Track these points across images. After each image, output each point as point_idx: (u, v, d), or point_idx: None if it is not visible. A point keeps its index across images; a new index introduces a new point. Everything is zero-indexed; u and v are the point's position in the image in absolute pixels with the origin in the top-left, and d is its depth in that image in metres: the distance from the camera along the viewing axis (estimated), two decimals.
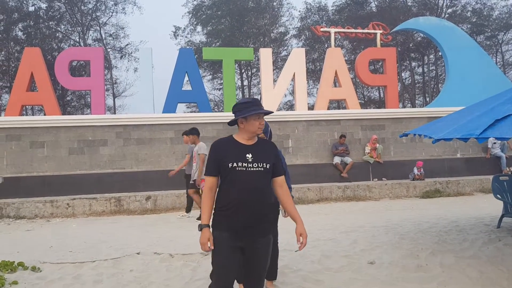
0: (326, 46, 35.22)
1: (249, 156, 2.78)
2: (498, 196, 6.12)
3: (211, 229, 2.82)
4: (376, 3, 35.76)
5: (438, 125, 4.89)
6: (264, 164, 2.78)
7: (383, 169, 12.63)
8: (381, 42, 13.78)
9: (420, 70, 37.03)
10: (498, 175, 6.34)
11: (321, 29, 13.66)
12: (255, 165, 2.76)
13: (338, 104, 29.18)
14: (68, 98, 32.23)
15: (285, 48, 36.35)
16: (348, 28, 14.28)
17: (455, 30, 14.19)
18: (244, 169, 2.74)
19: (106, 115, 12.21)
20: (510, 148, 13.16)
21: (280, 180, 2.94)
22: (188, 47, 33.05)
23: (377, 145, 12.65)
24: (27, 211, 9.80)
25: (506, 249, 5.21)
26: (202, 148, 8.39)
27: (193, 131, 8.71)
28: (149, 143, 11.86)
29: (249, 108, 2.80)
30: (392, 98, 13.53)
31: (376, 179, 12.44)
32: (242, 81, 37.87)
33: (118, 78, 33.47)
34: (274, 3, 35.42)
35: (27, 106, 22.30)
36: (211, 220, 2.85)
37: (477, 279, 4.35)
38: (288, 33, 36.83)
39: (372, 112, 13.88)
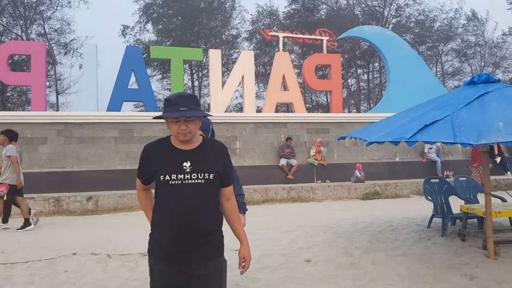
0: (277, 50, 35.84)
1: (186, 164, 2.24)
2: (429, 197, 6.48)
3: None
4: (325, 10, 36.72)
5: (372, 129, 5.13)
6: (205, 174, 2.24)
7: (327, 171, 12.98)
8: (328, 48, 14.17)
9: (365, 77, 38.35)
10: (429, 177, 6.72)
11: (270, 33, 13.87)
12: (193, 176, 2.23)
13: (287, 107, 29.68)
14: (8, 94, 30.63)
15: (237, 50, 36.51)
16: (296, 34, 14.58)
17: (397, 40, 14.87)
18: (180, 182, 2.21)
19: (46, 112, 11.75)
20: (445, 153, 13.94)
21: (227, 192, 2.40)
22: (137, 45, 32.43)
23: (322, 148, 13.00)
24: None
25: (434, 248, 5.53)
26: (10, 149, 7.71)
27: (5, 132, 7.94)
28: (91, 142, 11.52)
29: (166, 107, 2.25)
30: (337, 103, 13.96)
31: (320, 181, 12.77)
32: (192, 82, 37.61)
33: (62, 75, 32.26)
34: (226, 5, 35.46)
35: None
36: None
37: (406, 276, 4.58)
38: (240, 36, 37.01)
39: (318, 116, 14.24)
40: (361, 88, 38.60)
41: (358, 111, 36.44)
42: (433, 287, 4.31)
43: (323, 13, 36.53)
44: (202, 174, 2.25)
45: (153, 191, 2.43)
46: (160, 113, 2.35)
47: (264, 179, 12.33)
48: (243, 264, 2.52)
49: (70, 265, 4.99)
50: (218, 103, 12.82)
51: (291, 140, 12.86)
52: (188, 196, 2.22)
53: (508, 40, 35.26)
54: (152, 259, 2.32)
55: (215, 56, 13.17)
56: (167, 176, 2.22)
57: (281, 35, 13.90)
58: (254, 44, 36.79)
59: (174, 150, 2.31)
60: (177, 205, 2.23)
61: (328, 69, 31.10)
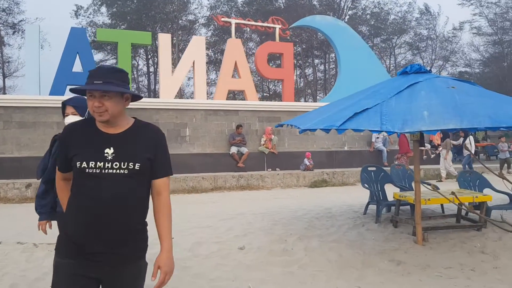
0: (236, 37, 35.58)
1: (108, 151, 1.93)
2: (366, 185, 6.62)
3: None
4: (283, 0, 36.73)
5: (308, 117, 5.14)
6: (130, 163, 1.92)
7: (277, 159, 13.04)
8: (280, 36, 14.16)
9: (322, 67, 38.83)
10: (367, 165, 6.86)
11: (222, 19, 13.70)
12: (115, 165, 1.91)
13: (233, 95, 29.65)
14: None
15: (194, 36, 35.93)
16: (248, 20, 14.47)
17: (348, 31, 15.05)
18: (98, 171, 1.90)
19: None
20: (391, 142, 14.32)
21: (159, 184, 2.05)
22: (89, 27, 31.31)
23: (272, 136, 13.03)
24: None
25: (367, 234, 5.66)
26: None
27: None
28: (33, 127, 11.02)
29: (87, 80, 1.93)
30: (288, 92, 14.02)
31: (270, 169, 12.83)
32: (148, 67, 36.84)
33: (10, 57, 30.70)
34: None
35: None
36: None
37: (336, 262, 4.66)
38: (197, 22, 36.48)
39: (269, 104, 14.27)
40: (318, 78, 39.07)
41: (315, 100, 36.89)
42: (361, 272, 4.40)
43: (281, 2, 36.52)
44: (126, 163, 1.92)
45: None
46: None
47: (214, 167, 12.24)
48: (160, 276, 2.00)
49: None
50: (167, 89, 12.57)
51: (242, 127, 12.81)
52: (106, 189, 1.90)
53: (458, 34, 36.59)
54: (58, 256, 1.99)
55: (164, 41, 12.86)
56: (84, 163, 1.91)
57: (233, 21, 13.75)
58: (212, 31, 36.40)
59: (96, 133, 1.98)
60: (92, 199, 1.91)
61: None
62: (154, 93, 34.81)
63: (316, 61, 38.45)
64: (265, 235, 5.42)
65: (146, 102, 12.65)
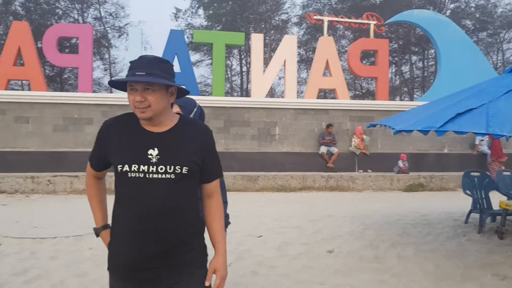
0: (329, 34, 35.05)
1: (152, 153, 1.71)
2: (468, 192, 6.10)
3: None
4: None
5: (405, 116, 4.85)
6: (177, 167, 1.70)
7: (369, 161, 12.59)
8: (375, 33, 13.63)
9: (420, 64, 36.80)
10: (469, 170, 6.31)
11: (314, 17, 13.52)
12: (160, 168, 1.69)
13: (324, 94, 29.15)
14: (65, 76, 32.08)
15: (287, 35, 36.09)
16: (342, 17, 14.13)
17: (449, 25, 14.03)
18: (142, 175, 1.69)
19: (91, 93, 12.11)
20: None
21: (210, 188, 1.88)
22: (187, 29, 32.84)
23: (364, 136, 12.60)
24: (7, 186, 9.80)
25: (468, 245, 5.21)
26: None
27: None
28: None
29: (128, 72, 1.72)
30: (382, 90, 13.46)
31: (361, 171, 12.41)
32: (241, 67, 37.71)
33: (116, 58, 33.28)
34: None
35: (16, 81, 22.13)
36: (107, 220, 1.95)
37: (432, 273, 4.34)
38: (290, 21, 36.55)
39: (361, 104, 13.81)
40: (415, 75, 37.11)
41: (411, 99, 35.07)
42: (460, 286, 4.06)
43: None
44: (172, 167, 1.70)
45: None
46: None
47: (302, 166, 12.14)
48: (214, 280, 1.85)
49: (95, 243, 5.13)
50: (258, 88, 12.73)
51: (332, 127, 12.56)
52: (152, 197, 1.69)
53: None
54: (111, 278, 1.82)
55: (257, 41, 13.02)
56: (126, 166, 1.70)
57: (326, 19, 13.50)
58: (304, 29, 36.23)
59: (139, 131, 1.77)
60: (137, 207, 1.71)
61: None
62: (246, 92, 35.56)
63: (414, 57, 36.49)
64: (355, 239, 5.22)
65: (237, 101, 12.95)
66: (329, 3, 35.19)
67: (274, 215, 6.66)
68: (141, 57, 1.72)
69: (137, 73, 1.65)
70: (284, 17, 36.54)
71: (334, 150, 12.43)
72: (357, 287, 4.02)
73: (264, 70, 13.09)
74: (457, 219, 6.50)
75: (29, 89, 14.89)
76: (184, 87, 1.86)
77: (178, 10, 34.12)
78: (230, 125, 12.38)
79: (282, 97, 23.19)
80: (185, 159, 1.73)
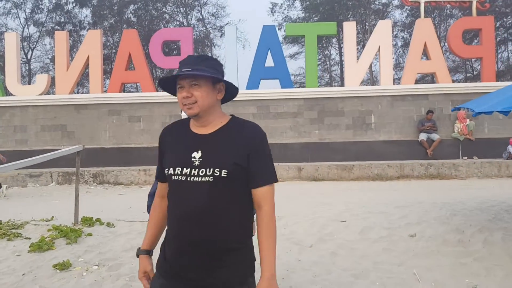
0: (433, 16, 33.01)
1: (196, 155, 1.70)
2: None
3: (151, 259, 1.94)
4: None
5: (487, 98, 4.68)
6: (216, 169, 1.66)
7: (474, 147, 11.86)
8: (478, 10, 12.72)
9: None
10: None
11: (410, 0, 13.01)
12: (201, 171, 1.67)
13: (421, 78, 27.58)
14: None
15: (389, 18, 34.78)
16: None
17: None
18: (184, 178, 1.70)
19: None
20: None
21: (258, 195, 1.75)
22: (286, 23, 33.29)
23: (468, 121, 11.88)
24: (124, 178, 11.10)
25: None
26: None
27: None
28: None
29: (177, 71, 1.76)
30: (489, 71, 12.54)
31: (466, 158, 11.75)
32: (340, 56, 37.18)
33: (218, 56, 34.93)
34: None
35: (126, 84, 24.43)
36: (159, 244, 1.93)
37: None
38: (391, 4, 35.12)
39: (464, 86, 13.05)
40: None
41: None
42: None
43: None
44: (212, 169, 1.66)
45: None
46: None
47: (401, 155, 11.87)
48: None
49: None
50: (352, 76, 12.67)
51: (433, 113, 12.04)
52: (190, 199, 1.68)
53: None
54: (155, 276, 1.85)
55: (349, 29, 12.96)
56: (171, 169, 1.73)
57: (422, 0, 12.91)
58: (407, 11, 34.56)
59: (188, 134, 1.79)
60: (177, 210, 1.72)
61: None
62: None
63: None
64: (441, 224, 5.16)
65: (330, 91, 13.07)
66: None
67: (362, 202, 6.76)
68: (188, 56, 1.79)
69: (183, 69, 1.70)
70: (385, 0, 35.22)
71: (435, 137, 11.93)
72: (435, 269, 4.06)
73: (358, 58, 12.98)
74: None
75: (140, 91, 16.49)
76: (231, 82, 1.83)
77: (275, 4, 34.70)
78: (324, 115, 12.52)
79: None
80: (226, 161, 1.67)
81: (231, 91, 1.85)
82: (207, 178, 1.65)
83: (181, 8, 33.43)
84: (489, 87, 12.15)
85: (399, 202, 6.64)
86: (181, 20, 33.56)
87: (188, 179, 1.68)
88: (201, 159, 1.68)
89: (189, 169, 1.68)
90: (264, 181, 1.74)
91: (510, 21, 31.77)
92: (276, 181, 1.79)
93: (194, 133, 1.76)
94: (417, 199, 6.87)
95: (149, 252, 1.92)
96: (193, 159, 1.69)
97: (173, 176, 1.72)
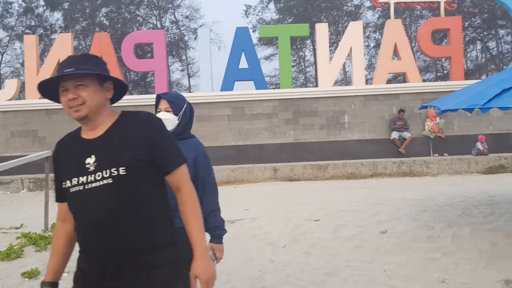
0: (404, 17, 33.67)
1: (90, 161, 1.58)
2: None
3: None
4: None
5: (453, 96, 4.81)
6: (113, 169, 1.54)
7: (445, 144, 12.14)
8: (446, 11, 13.05)
9: (509, 38, 34.01)
10: None
11: (380, 0, 13.24)
12: (98, 176, 1.55)
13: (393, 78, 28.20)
14: (148, 80, 34.24)
15: (361, 20, 35.30)
16: None
17: None
18: (82, 188, 1.56)
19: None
20: None
21: (174, 180, 1.67)
22: (260, 25, 33.43)
23: (438, 119, 12.16)
24: None
25: None
26: None
27: None
28: (208, 120, 12.49)
29: (56, 73, 1.61)
30: (457, 70, 12.88)
31: (437, 155, 12.01)
32: (315, 57, 37.48)
33: (193, 59, 34.78)
34: None
35: None
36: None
37: (486, 251, 4.32)
38: (363, 6, 35.67)
39: (434, 85, 13.34)
40: (505, 51, 34.39)
41: None
42: None
43: None
44: (108, 170, 1.54)
45: None
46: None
47: (374, 153, 12.03)
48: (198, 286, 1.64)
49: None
50: (325, 77, 12.81)
51: (404, 112, 12.28)
52: (91, 207, 1.55)
53: None
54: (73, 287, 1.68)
55: (321, 30, 13.09)
56: (68, 182, 1.60)
57: (392, 1, 13.15)
58: (379, 13, 35.15)
59: (79, 142, 1.66)
60: (80, 222, 1.60)
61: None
62: None
63: (501, 31, 33.84)
64: (411, 220, 5.27)
65: (304, 92, 13.18)
66: None
67: (335, 201, 6.84)
68: (69, 56, 1.64)
69: (65, 70, 1.55)
70: (357, 2, 35.74)
71: (407, 135, 12.16)
72: (406, 265, 4.14)
73: (330, 59, 13.13)
74: None
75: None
76: (120, 79, 1.71)
77: (249, 6, 34.80)
78: (299, 116, 12.61)
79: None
80: (122, 158, 1.55)
81: (121, 89, 1.72)
82: (105, 181, 1.53)
83: (154, 11, 33.16)
84: (457, 86, 12.41)
85: (371, 200, 6.75)
86: (155, 22, 33.31)
87: (86, 187, 1.55)
88: (95, 163, 1.56)
89: (85, 177, 1.56)
90: (174, 165, 1.66)
91: (478, 21, 32.62)
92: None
93: (85, 139, 1.65)
94: (389, 197, 7.00)
95: (54, 285, 1.73)
96: (87, 166, 1.57)
97: (70, 189, 1.59)
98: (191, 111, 2.45)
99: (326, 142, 12.46)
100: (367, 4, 35.32)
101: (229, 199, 7.86)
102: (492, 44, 34.38)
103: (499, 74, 4.82)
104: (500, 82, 4.18)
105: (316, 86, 33.70)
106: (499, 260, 4.11)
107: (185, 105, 2.38)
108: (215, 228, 2.34)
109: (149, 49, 31.08)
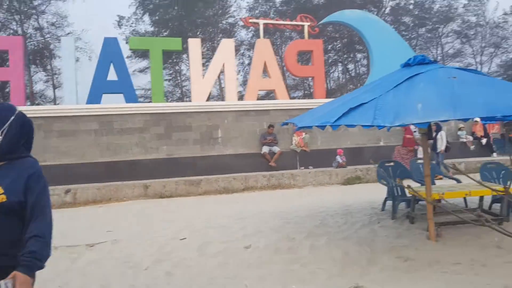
0: (275, 37, 35.57)
1: None
2: (383, 181, 6.46)
3: None
4: None
5: (310, 114, 5.12)
6: None
7: (310, 157, 12.96)
8: (310, 34, 14.07)
9: (365, 61, 37.97)
10: (384, 161, 6.69)
11: (250, 20, 13.79)
12: None
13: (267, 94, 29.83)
14: (7, 90, 30.91)
15: (235, 38, 36.36)
16: (277, 20, 14.48)
17: (379, 23, 14.68)
18: None
19: (24, 106, 11.76)
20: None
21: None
22: (134, 36, 32.45)
23: (304, 134, 12.96)
24: None
25: (381, 231, 5.54)
26: None
27: None
28: (72, 135, 11.62)
29: None
30: (319, 89, 13.91)
31: (303, 168, 12.76)
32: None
33: (60, 69, 32.29)
34: None
35: None
36: None
37: (340, 259, 4.61)
38: (237, 24, 36.84)
39: (300, 103, 14.21)
40: (362, 72, 38.27)
41: None
42: (365, 270, 4.34)
43: None
44: None
45: None
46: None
47: (247, 167, 12.34)
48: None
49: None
50: (198, 92, 12.84)
51: (273, 127, 12.85)
52: None
53: (509, 20, 34.55)
54: None
55: (194, 45, 13.13)
56: None
57: (261, 22, 13.80)
58: (252, 32, 36.61)
59: None
60: None
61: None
62: None
63: (359, 55, 37.66)
64: (274, 233, 5.45)
65: (177, 106, 13.03)
66: (274, 6, 35.73)
67: (205, 217, 6.80)
68: None
69: None
70: (231, 20, 36.80)
71: (276, 149, 12.72)
72: (266, 278, 4.22)
73: (203, 75, 13.21)
74: (376, 207, 6.88)
75: None
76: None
77: (122, 17, 33.62)
78: (172, 130, 12.41)
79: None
80: None
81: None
82: None
83: (15, 16, 30.14)
84: (320, 103, 13.43)
85: (240, 214, 6.85)
86: (16, 28, 30.28)
87: None
88: None
89: None
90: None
91: (339, 45, 35.81)
92: None
93: None
94: (257, 210, 7.18)
95: None
96: None
97: None
98: (24, 126, 2.12)
99: (200, 157, 12.44)
100: (241, 22, 36.69)
101: (92, 221, 7.37)
102: (351, 66, 38.03)
103: (349, 94, 5.27)
104: (348, 102, 4.55)
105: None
106: (350, 267, 4.41)
107: (11, 118, 2.04)
108: (28, 254, 1.86)
109: (7, 57, 28.22)
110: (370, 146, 13.69)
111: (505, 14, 34.50)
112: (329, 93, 30.28)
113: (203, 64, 26.75)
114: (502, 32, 34.65)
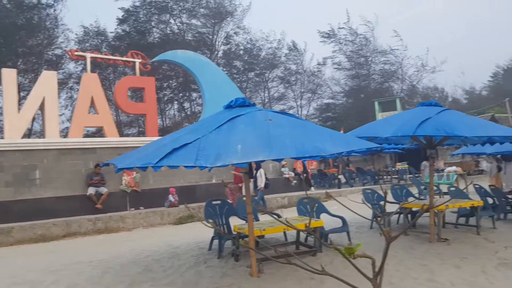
0: (108, 72, 34.25)
1: None
2: (210, 220, 6.48)
3: None
4: (158, 34, 36.52)
5: (130, 154, 4.88)
6: None
7: (141, 198, 12.48)
8: (141, 71, 13.86)
9: (200, 101, 39.09)
10: (211, 199, 6.75)
11: (76, 53, 13.00)
12: None
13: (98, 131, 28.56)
14: None
15: (63, 71, 33.89)
16: (106, 54, 13.96)
17: (210, 65, 15.33)
18: None
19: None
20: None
21: None
22: None
23: (135, 173, 12.48)
24: None
25: (206, 271, 5.47)
26: None
27: None
28: None
29: None
30: (152, 126, 13.68)
31: (133, 209, 12.18)
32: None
33: None
34: (47, 23, 32.83)
35: None
36: None
37: None
38: (65, 56, 34.48)
39: (130, 140, 13.75)
40: (197, 111, 39.21)
41: None
42: None
43: (155, 37, 36.26)
44: None
45: None
46: None
47: (69, 211, 11.23)
48: None
49: None
50: (13, 128, 11.41)
51: (101, 167, 12.05)
52: None
53: (322, 69, 39.71)
54: None
55: (9, 76, 11.73)
56: None
57: (88, 55, 13.11)
58: (82, 65, 34.63)
59: None
60: None
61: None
62: None
63: (195, 94, 38.61)
64: (92, 285, 4.94)
65: None
66: (107, 40, 34.61)
67: (10, 272, 5.86)
68: None
69: None
70: (58, 52, 34.29)
71: (103, 190, 11.93)
72: None
73: (19, 109, 11.83)
74: (203, 247, 6.84)
75: None
76: None
77: None
78: None
79: (63, 136, 21.40)
80: None
81: None
82: None
83: None
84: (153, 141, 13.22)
85: (55, 266, 6.09)
86: None
87: None
88: None
89: None
90: None
91: (175, 84, 36.23)
92: None
93: None
94: (75, 259, 6.48)
95: None
96: None
97: None
98: None
99: (13, 202, 10.93)
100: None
101: None
102: (187, 105, 38.70)
103: (174, 133, 5.21)
104: (172, 142, 4.47)
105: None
106: None
107: None
108: None
109: None
110: (203, 184, 13.86)
111: (319, 64, 39.55)
112: (165, 131, 30.10)
113: (24, 97, 24.34)
114: (317, 80, 39.49)
